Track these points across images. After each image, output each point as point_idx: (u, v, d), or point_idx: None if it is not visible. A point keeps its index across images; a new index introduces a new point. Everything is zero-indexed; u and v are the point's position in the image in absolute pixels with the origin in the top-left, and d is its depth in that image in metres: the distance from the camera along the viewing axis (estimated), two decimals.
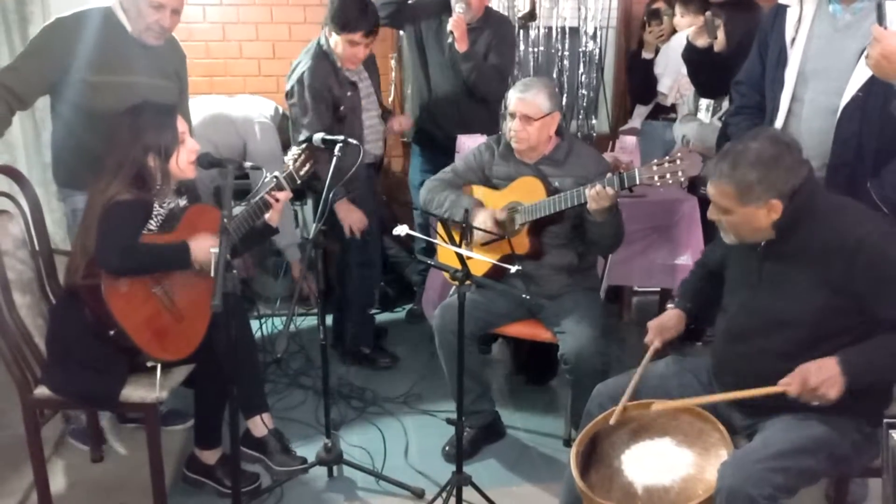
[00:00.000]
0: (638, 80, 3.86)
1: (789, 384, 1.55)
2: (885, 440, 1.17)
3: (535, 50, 4.13)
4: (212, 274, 1.70)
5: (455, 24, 3.01)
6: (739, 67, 2.17)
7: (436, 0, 3.22)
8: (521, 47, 4.11)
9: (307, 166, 2.21)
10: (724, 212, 1.65)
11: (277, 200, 2.19)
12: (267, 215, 2.21)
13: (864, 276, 1.54)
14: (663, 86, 3.68)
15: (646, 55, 3.78)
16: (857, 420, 1.61)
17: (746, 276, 1.75)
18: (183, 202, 2.15)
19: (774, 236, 1.66)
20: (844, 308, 1.58)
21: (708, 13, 2.74)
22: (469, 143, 3.04)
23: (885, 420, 1.19)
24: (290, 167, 2.20)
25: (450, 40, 3.04)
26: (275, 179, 2.19)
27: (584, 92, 4.23)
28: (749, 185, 1.58)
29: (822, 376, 1.52)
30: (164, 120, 2.07)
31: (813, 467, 1.56)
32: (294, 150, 2.23)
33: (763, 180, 1.57)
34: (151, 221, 2.04)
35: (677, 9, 3.53)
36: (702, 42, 2.76)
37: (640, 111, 3.95)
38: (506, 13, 3.98)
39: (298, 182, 2.22)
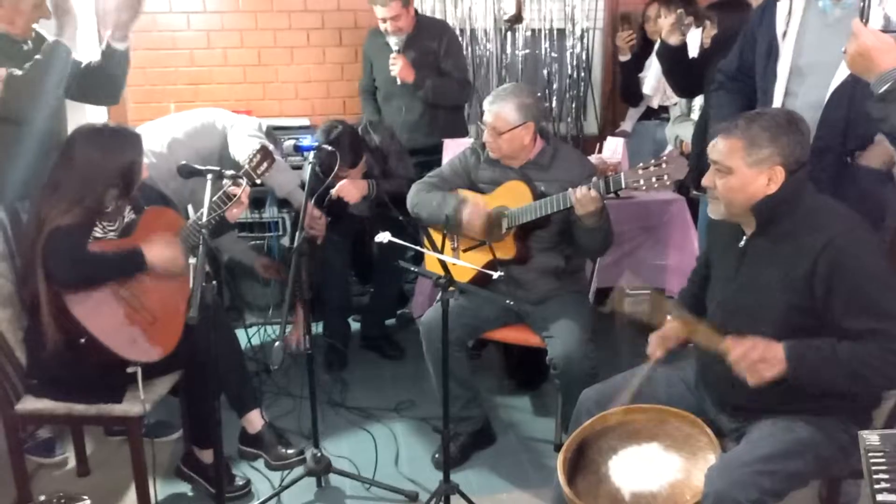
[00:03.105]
0: (621, 83, 3.89)
1: (734, 347, 1.55)
2: (861, 445, 1.16)
3: (521, 53, 4.12)
4: (191, 285, 1.69)
5: (393, 61, 3.15)
6: (710, 65, 2.17)
7: (373, 29, 3.40)
8: (508, 50, 4.11)
9: (264, 165, 2.18)
10: (726, 172, 1.62)
11: (240, 201, 2.13)
12: (229, 210, 2.15)
13: (824, 280, 1.53)
14: (647, 87, 3.69)
15: (621, 58, 3.82)
16: (845, 422, 1.60)
17: (725, 275, 1.75)
18: (130, 215, 2.14)
19: (755, 228, 1.66)
20: (808, 310, 1.57)
21: (680, 10, 2.74)
22: (454, 148, 3.03)
23: (859, 432, 1.18)
24: (246, 166, 2.16)
25: (398, 82, 3.17)
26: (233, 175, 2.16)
27: (572, 94, 4.22)
28: (761, 142, 1.58)
29: (766, 355, 1.52)
30: (136, 152, 2.05)
31: (800, 470, 1.55)
32: (250, 151, 2.21)
33: (774, 141, 1.58)
34: (110, 233, 2.05)
35: (661, 11, 3.54)
36: (674, 40, 2.75)
37: (632, 114, 3.97)
38: (492, 15, 4.00)
39: (257, 180, 2.18)
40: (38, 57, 2.18)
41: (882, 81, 1.47)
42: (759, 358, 1.52)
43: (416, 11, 3.32)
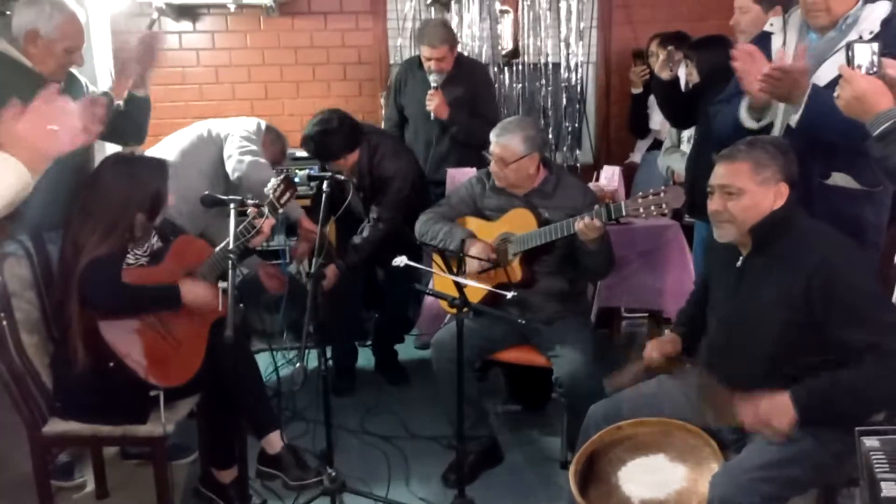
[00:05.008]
0: (631, 116, 4.05)
1: (745, 410, 1.64)
2: (858, 447, 1.24)
3: (519, 86, 4.28)
4: (220, 308, 1.78)
5: (430, 97, 3.23)
6: (702, 97, 2.27)
7: (407, 60, 3.57)
8: (506, 83, 4.26)
9: (287, 195, 2.25)
10: (737, 193, 1.72)
11: (262, 231, 2.20)
12: (253, 239, 2.22)
13: (820, 296, 1.63)
14: (654, 122, 3.84)
15: (633, 91, 3.97)
16: (840, 431, 1.66)
17: (725, 294, 1.86)
18: (157, 243, 2.23)
19: (751, 248, 1.77)
20: (805, 325, 1.67)
21: (670, 48, 2.91)
22: (459, 177, 3.15)
23: (857, 428, 1.26)
24: (271, 196, 2.23)
25: (432, 117, 3.27)
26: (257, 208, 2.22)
27: (567, 125, 4.37)
28: (765, 162, 1.71)
29: (773, 407, 1.61)
30: (161, 179, 2.14)
31: (798, 476, 1.64)
32: (273, 181, 2.28)
33: (775, 161, 1.72)
34: (142, 259, 2.14)
35: (657, 49, 3.70)
36: (666, 75, 2.91)
37: (640, 145, 4.11)
38: (490, 51, 4.15)
39: (280, 210, 2.25)
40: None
41: (878, 122, 1.53)
42: (768, 415, 1.61)
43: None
